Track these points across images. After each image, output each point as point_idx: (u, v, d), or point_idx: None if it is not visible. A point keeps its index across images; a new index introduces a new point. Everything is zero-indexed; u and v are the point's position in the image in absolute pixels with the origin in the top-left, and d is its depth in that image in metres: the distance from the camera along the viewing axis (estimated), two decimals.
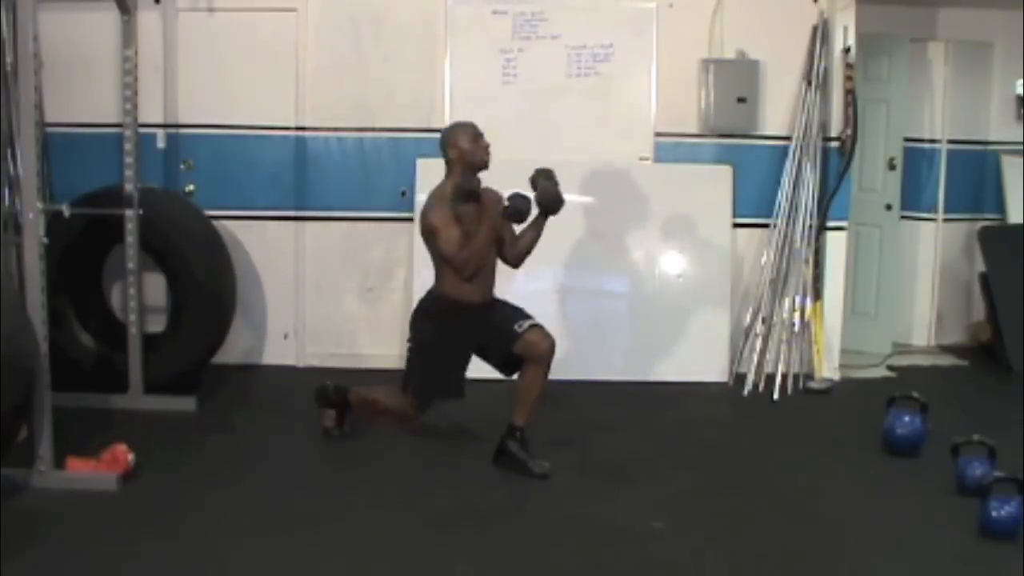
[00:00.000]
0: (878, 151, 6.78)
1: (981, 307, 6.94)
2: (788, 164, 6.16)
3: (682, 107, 6.22)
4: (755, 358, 6.07)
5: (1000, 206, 7.01)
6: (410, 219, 6.13)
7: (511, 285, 5.99)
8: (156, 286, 5.99)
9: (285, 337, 6.35)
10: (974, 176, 7.09)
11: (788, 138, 6.19)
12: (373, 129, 6.21)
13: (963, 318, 7.20)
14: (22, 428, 4.31)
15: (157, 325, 5.92)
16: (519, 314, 4.66)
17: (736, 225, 6.26)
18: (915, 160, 6.96)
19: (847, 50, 6.14)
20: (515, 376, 4.70)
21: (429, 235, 4.53)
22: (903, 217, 6.94)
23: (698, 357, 6.14)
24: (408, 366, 4.70)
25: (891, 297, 6.95)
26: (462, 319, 4.59)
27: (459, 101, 6.13)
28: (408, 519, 4.17)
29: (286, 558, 3.78)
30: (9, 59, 4.70)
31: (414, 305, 4.66)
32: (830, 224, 6.23)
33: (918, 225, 7.07)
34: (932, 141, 7.00)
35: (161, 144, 6.14)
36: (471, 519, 4.20)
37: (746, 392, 5.96)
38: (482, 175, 4.62)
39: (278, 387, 6.00)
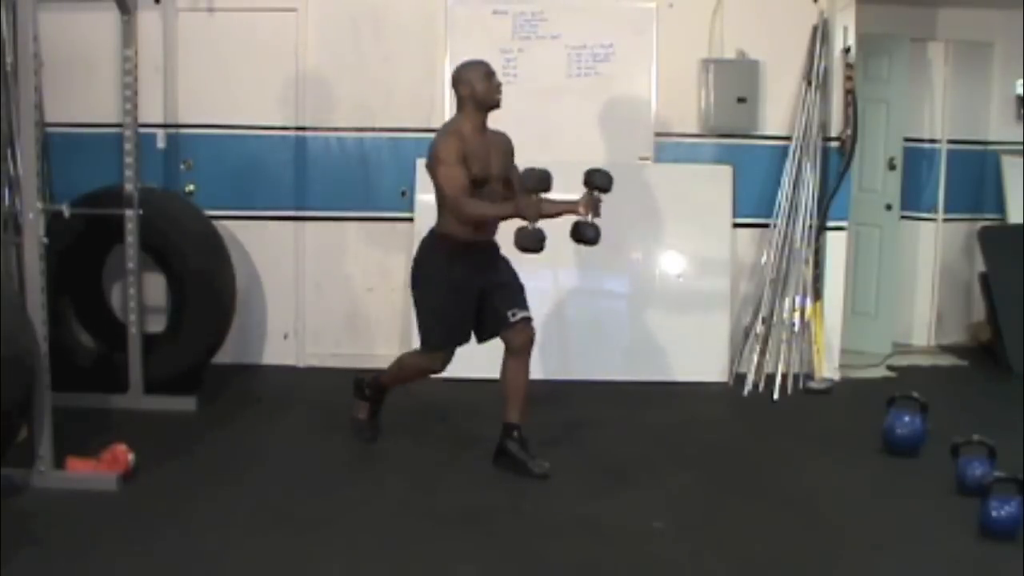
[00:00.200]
0: (878, 151, 6.78)
1: (981, 307, 6.95)
2: (788, 164, 6.16)
3: (682, 107, 6.22)
4: (755, 358, 6.07)
5: (1000, 206, 7.01)
6: (410, 219, 6.13)
7: None
8: (156, 286, 5.99)
9: (285, 337, 6.35)
10: (974, 176, 7.09)
11: (788, 138, 6.20)
12: (373, 129, 6.21)
13: (963, 318, 7.20)
14: (22, 428, 4.31)
15: (157, 325, 5.92)
16: (518, 300, 4.64)
17: (736, 225, 6.26)
18: (915, 160, 6.96)
19: (847, 50, 6.15)
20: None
21: (433, 166, 4.47)
22: (903, 217, 6.95)
23: (698, 357, 6.14)
24: (420, 320, 4.66)
25: (891, 297, 6.95)
26: (466, 259, 4.53)
27: None
28: (408, 519, 4.17)
29: (286, 558, 3.79)
30: (9, 59, 4.71)
31: (414, 308, 4.61)
32: (830, 224, 6.24)
33: (918, 225, 7.08)
34: (932, 141, 7.00)
35: (161, 144, 6.14)
36: (471, 519, 4.20)
37: (746, 392, 5.96)
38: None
39: (278, 387, 6.00)
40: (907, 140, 6.87)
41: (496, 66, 6.07)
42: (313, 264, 6.30)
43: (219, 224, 6.03)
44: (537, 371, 5.81)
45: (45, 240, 4.32)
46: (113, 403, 5.34)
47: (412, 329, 6.05)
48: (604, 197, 4.66)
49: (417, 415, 5.39)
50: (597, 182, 4.62)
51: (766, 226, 6.22)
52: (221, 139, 6.17)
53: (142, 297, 5.54)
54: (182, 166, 6.18)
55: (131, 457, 4.47)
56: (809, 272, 6.17)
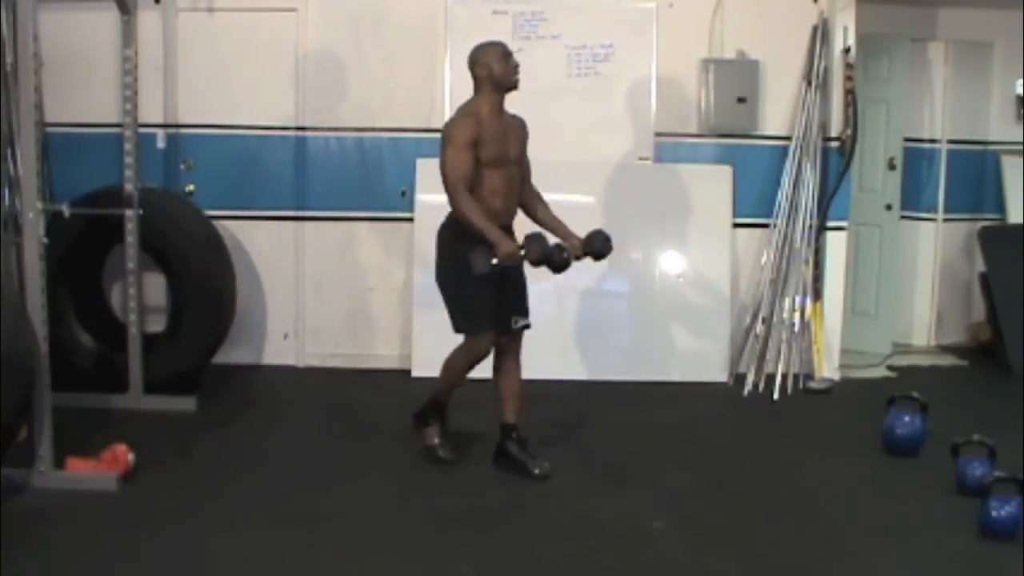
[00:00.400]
0: (878, 151, 6.78)
1: (981, 307, 6.94)
2: (788, 164, 6.16)
3: (682, 107, 6.22)
4: (755, 358, 6.07)
5: (1000, 206, 7.01)
6: (410, 219, 6.13)
7: None
8: (156, 286, 5.99)
9: (285, 337, 6.35)
10: (974, 176, 7.09)
11: (788, 138, 6.20)
12: (373, 129, 6.20)
13: (963, 318, 7.20)
14: (22, 428, 4.31)
15: (157, 325, 5.92)
16: (524, 306, 4.64)
17: (736, 225, 6.26)
18: (915, 160, 6.96)
19: (847, 50, 6.14)
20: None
21: (443, 145, 4.43)
22: (903, 217, 6.94)
23: (698, 357, 6.15)
24: (460, 309, 4.49)
25: (891, 297, 6.95)
26: (486, 242, 4.42)
27: (459, 101, 6.05)
28: (408, 519, 4.18)
29: (286, 558, 3.78)
30: (9, 59, 4.70)
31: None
32: (830, 224, 6.24)
33: (918, 225, 7.07)
34: (932, 141, 7.00)
35: (161, 144, 6.14)
36: (471, 519, 4.20)
37: (746, 392, 5.96)
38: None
39: (278, 387, 6.00)
40: (907, 140, 6.87)
41: None
42: (313, 264, 6.30)
43: (219, 224, 6.02)
44: (537, 371, 5.82)
45: (45, 240, 4.32)
46: (113, 403, 5.34)
47: (412, 329, 6.09)
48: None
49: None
50: (596, 250, 4.65)
51: (766, 226, 6.22)
52: (221, 139, 6.17)
53: (142, 297, 5.54)
54: (182, 166, 6.18)
55: (131, 457, 4.47)
56: (809, 272, 6.17)
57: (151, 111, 5.94)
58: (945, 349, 7.05)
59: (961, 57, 6.94)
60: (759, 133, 6.26)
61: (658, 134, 6.24)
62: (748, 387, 5.99)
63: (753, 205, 6.26)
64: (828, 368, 6.20)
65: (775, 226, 6.18)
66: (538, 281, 6.07)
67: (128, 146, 5.31)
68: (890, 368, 6.58)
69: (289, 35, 6.12)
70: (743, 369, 6.10)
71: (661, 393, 5.89)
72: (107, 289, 6.11)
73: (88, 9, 5.92)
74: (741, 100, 6.13)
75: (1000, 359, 6.59)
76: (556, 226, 4.68)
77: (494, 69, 4.48)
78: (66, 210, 4.56)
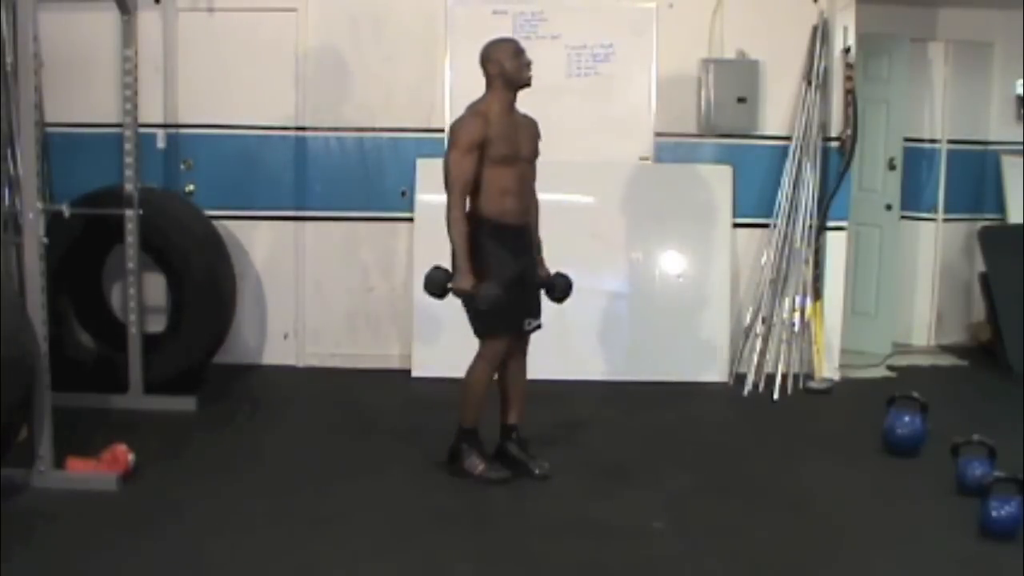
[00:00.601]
0: (878, 151, 6.78)
1: (981, 307, 6.94)
2: (788, 164, 6.16)
3: (682, 107, 6.22)
4: (755, 358, 6.07)
5: (1000, 206, 7.01)
6: (410, 219, 6.13)
7: None
8: (156, 286, 5.99)
9: (285, 337, 6.35)
10: (974, 176, 7.09)
11: (788, 138, 6.19)
12: (373, 129, 6.20)
13: (963, 318, 7.20)
14: (22, 428, 4.31)
15: (157, 325, 5.92)
16: (537, 307, 4.62)
17: (736, 225, 6.25)
18: (915, 160, 6.96)
19: (847, 50, 6.14)
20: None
21: (448, 145, 4.39)
22: (903, 217, 6.94)
23: (698, 357, 6.15)
24: (481, 313, 4.36)
25: (891, 297, 6.95)
26: (505, 241, 4.41)
27: (459, 101, 6.06)
28: (408, 519, 4.17)
29: (286, 558, 3.78)
30: (9, 59, 4.70)
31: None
32: (830, 224, 6.23)
33: (918, 225, 7.07)
34: (932, 141, 7.00)
35: (161, 144, 6.14)
36: (471, 519, 4.20)
37: (746, 392, 5.96)
38: None
39: (278, 387, 6.00)
40: (907, 140, 6.87)
41: None
42: (313, 264, 6.30)
43: (219, 224, 6.03)
44: (537, 371, 5.81)
45: (45, 240, 4.32)
46: (113, 403, 5.34)
47: (412, 329, 6.09)
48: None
49: (417, 415, 5.39)
50: (558, 293, 4.70)
51: (766, 226, 6.22)
52: (221, 139, 6.17)
53: (142, 297, 5.54)
54: (182, 166, 6.18)
55: (131, 457, 4.47)
56: (809, 272, 6.17)
57: (151, 111, 5.94)
58: (945, 349, 7.05)
59: (961, 57, 6.94)
60: (759, 133, 6.25)
61: (658, 134, 6.24)
62: (748, 387, 5.99)
63: (753, 205, 6.26)
64: (828, 368, 6.20)
65: (775, 226, 6.17)
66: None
67: (128, 146, 5.31)
68: (890, 368, 6.58)
69: (289, 35, 6.12)
70: (743, 369, 6.10)
71: (661, 393, 5.89)
72: (107, 289, 6.11)
73: (88, 9, 5.93)
74: (741, 100, 6.13)
75: (1000, 359, 6.59)
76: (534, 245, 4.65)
77: (506, 66, 4.42)
78: (66, 210, 4.56)
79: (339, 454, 4.89)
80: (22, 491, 4.24)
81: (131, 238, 5.37)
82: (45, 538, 3.87)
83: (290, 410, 5.59)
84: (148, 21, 5.94)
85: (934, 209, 7.06)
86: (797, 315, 6.14)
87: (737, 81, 6.14)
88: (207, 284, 5.69)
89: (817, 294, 6.19)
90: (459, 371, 4.65)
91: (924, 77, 6.93)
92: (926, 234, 7.09)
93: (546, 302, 4.69)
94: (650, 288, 6.23)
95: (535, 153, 4.58)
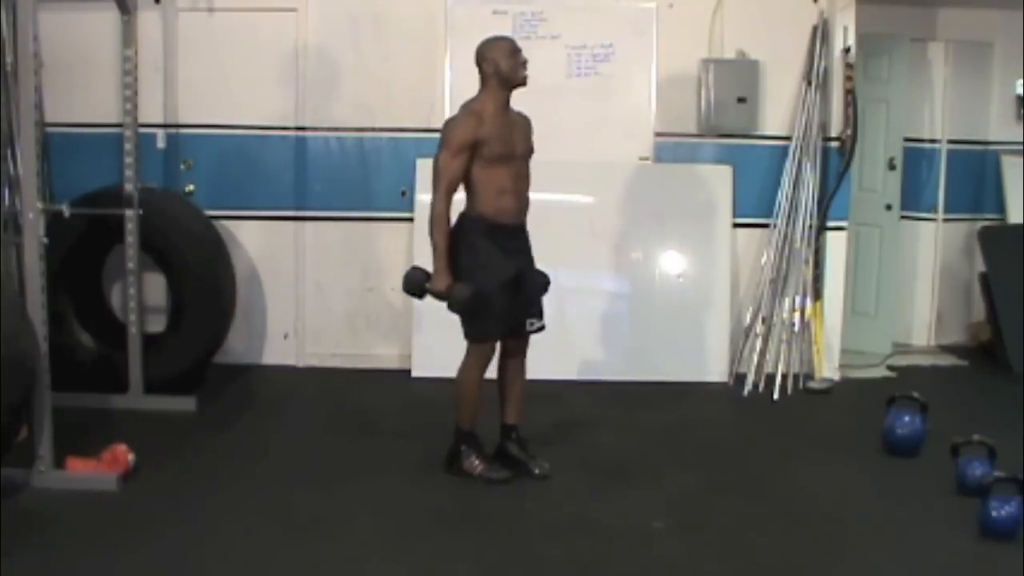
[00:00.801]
0: (878, 151, 6.78)
1: (981, 307, 6.94)
2: (788, 164, 6.16)
3: (682, 107, 6.22)
4: (755, 358, 6.07)
5: (1000, 206, 7.00)
6: (410, 219, 6.13)
7: None
8: (156, 286, 5.99)
9: (285, 337, 6.35)
10: (974, 176, 7.09)
11: (788, 138, 6.19)
12: (373, 129, 6.20)
13: (963, 318, 7.20)
14: (22, 428, 4.31)
15: (157, 325, 5.92)
16: (539, 308, 4.58)
17: (736, 225, 6.25)
18: (915, 160, 6.96)
19: (847, 50, 6.14)
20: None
21: (440, 144, 4.37)
22: (903, 217, 6.94)
23: (698, 357, 6.14)
24: (470, 313, 4.36)
25: (891, 297, 6.94)
26: (501, 241, 4.38)
27: (459, 101, 6.06)
28: (408, 519, 4.17)
29: (286, 558, 3.78)
30: (9, 59, 4.70)
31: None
32: (830, 224, 6.23)
33: (918, 225, 7.07)
34: (932, 141, 7.00)
35: (161, 144, 6.14)
36: (471, 519, 4.21)
37: (746, 392, 5.96)
38: None
39: (278, 387, 6.00)
40: (907, 140, 6.87)
41: None
42: (313, 264, 6.30)
43: (219, 224, 6.03)
44: (537, 371, 5.81)
45: (45, 240, 4.32)
46: (113, 403, 5.34)
47: (412, 329, 6.09)
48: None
49: (417, 415, 5.39)
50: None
51: (766, 226, 6.22)
52: (221, 139, 6.17)
53: (142, 297, 5.54)
54: (182, 166, 6.18)
55: (131, 457, 4.47)
56: (809, 272, 6.17)
57: (151, 111, 5.94)
58: (945, 349, 7.05)
59: (961, 57, 6.94)
60: (759, 133, 6.25)
61: (658, 134, 6.24)
62: (748, 387, 5.99)
63: (753, 205, 6.25)
64: (828, 368, 6.20)
65: (775, 226, 6.17)
66: None
67: (128, 146, 5.31)
68: (890, 368, 6.58)
69: (289, 35, 6.12)
70: (743, 369, 6.10)
71: (661, 393, 5.88)
72: (107, 289, 6.11)
73: (88, 9, 5.92)
74: (741, 100, 6.13)
75: (1000, 359, 6.59)
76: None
77: (501, 65, 4.39)
78: (66, 210, 4.56)
79: (339, 454, 4.89)
80: (22, 491, 4.24)
81: (131, 238, 5.37)
82: (45, 538, 3.87)
83: (290, 410, 5.59)
84: (148, 21, 5.94)
85: (934, 209, 7.06)
86: (797, 315, 6.14)
87: (737, 81, 6.14)
88: (207, 284, 5.69)
89: (817, 294, 6.19)
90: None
91: (924, 77, 6.93)
92: (926, 234, 7.09)
93: (545, 304, 4.67)
94: (650, 288, 6.23)
95: (530, 151, 4.57)
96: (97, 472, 4.38)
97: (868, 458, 4.97)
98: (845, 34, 6.14)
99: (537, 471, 4.58)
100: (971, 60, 6.96)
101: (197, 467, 4.66)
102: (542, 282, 4.63)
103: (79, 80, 5.98)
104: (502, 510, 4.30)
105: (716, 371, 6.13)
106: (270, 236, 6.26)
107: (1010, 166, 6.97)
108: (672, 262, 6.25)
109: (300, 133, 6.19)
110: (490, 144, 4.34)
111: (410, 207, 6.14)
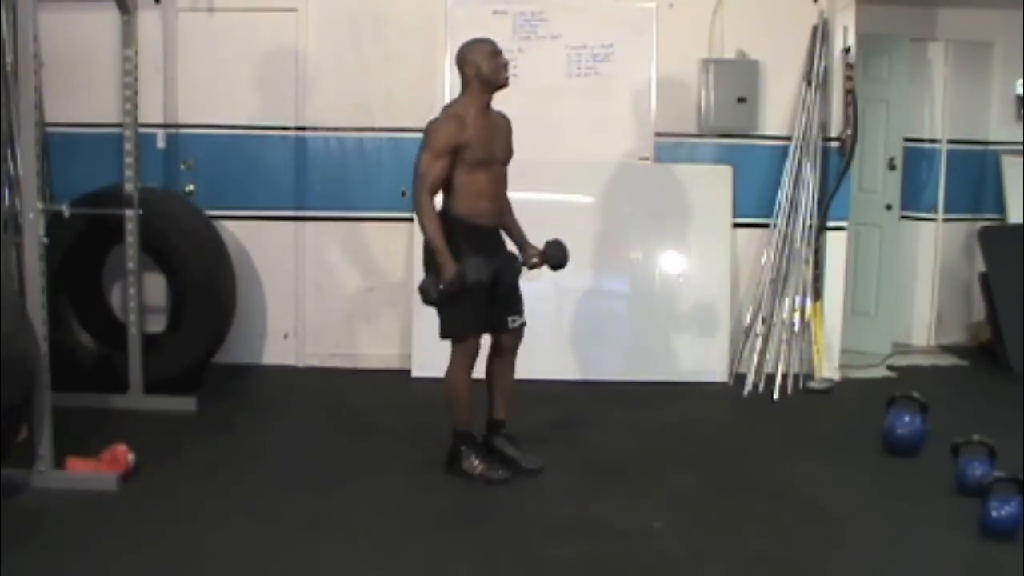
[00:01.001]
0: (878, 151, 6.78)
1: (981, 307, 6.94)
2: (788, 164, 6.16)
3: (682, 107, 6.22)
4: (755, 358, 6.07)
5: (1000, 206, 7.00)
6: (410, 219, 6.12)
7: None
8: (156, 286, 5.99)
9: (285, 337, 6.35)
10: (974, 176, 7.09)
11: (788, 138, 6.19)
12: (373, 129, 6.20)
13: (963, 318, 7.20)
14: (22, 428, 4.31)
15: (157, 325, 5.92)
16: (519, 304, 4.61)
17: (736, 225, 6.25)
18: (915, 160, 6.95)
19: (847, 50, 6.14)
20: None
21: (422, 145, 4.40)
22: (903, 217, 6.94)
23: (698, 357, 6.14)
24: (448, 312, 4.41)
25: (891, 297, 6.95)
26: (478, 242, 4.41)
27: None
28: (408, 519, 4.17)
29: (286, 558, 3.78)
30: (9, 59, 4.70)
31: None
32: (830, 224, 6.23)
33: (918, 225, 7.07)
34: (932, 141, 7.00)
35: (161, 144, 6.14)
36: (471, 519, 4.21)
37: (746, 392, 5.96)
38: None
39: (278, 387, 6.00)
40: (907, 140, 6.87)
41: None
42: (313, 264, 6.30)
43: (219, 224, 6.03)
44: (537, 371, 5.81)
45: (45, 240, 4.32)
46: (113, 403, 5.34)
47: (412, 329, 6.09)
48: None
49: (416, 415, 5.39)
50: (552, 260, 4.65)
51: (766, 226, 6.22)
52: (221, 139, 6.17)
53: (142, 297, 5.54)
54: (182, 166, 6.18)
55: (131, 457, 4.47)
56: (809, 272, 6.17)
57: (151, 111, 5.94)
58: (945, 349, 7.05)
59: (961, 57, 6.94)
60: (759, 133, 6.25)
61: (658, 134, 6.24)
62: (748, 387, 5.99)
63: (753, 205, 6.25)
64: (828, 368, 6.20)
65: (775, 226, 6.17)
66: (538, 280, 6.12)
67: (128, 146, 5.31)
68: (890, 368, 6.58)
69: (289, 35, 6.12)
70: (743, 369, 6.10)
71: (661, 393, 5.89)
72: (107, 289, 6.11)
73: (88, 9, 5.92)
74: (741, 100, 6.13)
75: (1000, 359, 6.59)
76: (516, 234, 4.67)
77: (483, 67, 4.41)
78: (66, 210, 4.56)
79: (339, 454, 4.89)
80: (22, 491, 4.24)
81: (131, 238, 5.37)
82: (45, 538, 3.87)
83: (290, 410, 5.59)
84: (148, 21, 5.94)
85: (934, 209, 7.06)
86: (797, 315, 6.14)
87: (737, 81, 6.14)
88: (207, 284, 5.69)
89: (817, 294, 6.19)
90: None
91: (924, 77, 6.92)
92: (926, 234, 7.09)
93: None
94: (650, 288, 6.23)
95: (510, 154, 4.58)
96: (97, 472, 4.38)
97: (868, 458, 4.97)
98: (845, 34, 6.14)
99: (528, 466, 4.57)
100: (971, 60, 6.96)
101: (197, 467, 4.66)
102: (560, 250, 4.62)
103: (79, 80, 5.99)
104: (502, 510, 4.30)
105: (716, 371, 6.13)
106: (270, 236, 6.26)
107: (1010, 166, 6.97)
108: (672, 262, 6.25)
109: (300, 133, 6.19)
110: (472, 148, 4.37)
111: (410, 207, 6.13)
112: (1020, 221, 6.83)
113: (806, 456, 5.02)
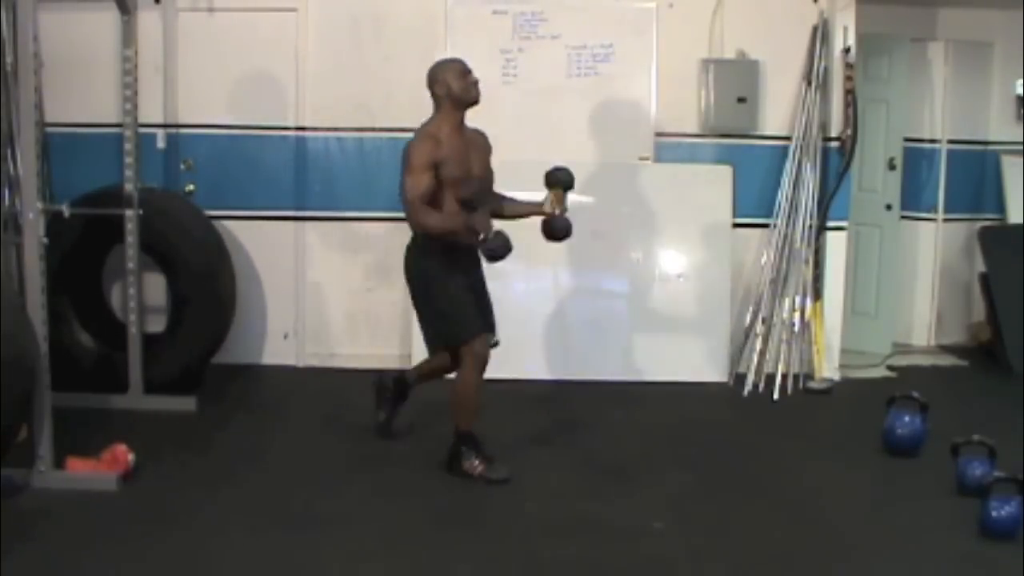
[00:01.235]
0: (878, 151, 6.78)
1: (981, 307, 6.94)
2: (788, 164, 6.16)
3: (682, 107, 6.22)
4: (755, 358, 6.07)
5: (1000, 206, 7.00)
6: None
7: (511, 285, 6.02)
8: (156, 286, 5.99)
9: (285, 337, 6.35)
10: (974, 176, 7.09)
11: (788, 138, 6.20)
12: (373, 129, 6.20)
13: (963, 318, 7.20)
14: (22, 428, 4.31)
15: (157, 325, 5.92)
16: (493, 324, 4.63)
17: (736, 225, 6.25)
18: (915, 160, 6.95)
19: (847, 50, 6.14)
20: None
21: (402, 168, 4.43)
22: (903, 217, 6.94)
23: (698, 357, 6.14)
24: (447, 318, 4.48)
25: (891, 297, 6.95)
26: (455, 257, 4.48)
27: None
28: (408, 519, 4.17)
29: (286, 558, 3.79)
30: (9, 59, 4.71)
31: (435, 318, 4.51)
32: (830, 224, 6.23)
33: (918, 225, 7.07)
34: (932, 141, 7.00)
35: (161, 144, 6.14)
36: (471, 519, 4.21)
37: (746, 392, 5.96)
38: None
39: (278, 387, 6.00)
40: (907, 140, 6.87)
41: (496, 66, 6.17)
42: (313, 264, 6.30)
43: (219, 224, 6.03)
44: (537, 371, 5.83)
45: (45, 240, 4.32)
46: (113, 403, 5.34)
47: (412, 329, 6.07)
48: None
49: (417, 415, 5.39)
50: (563, 180, 4.58)
51: (766, 226, 6.22)
52: (221, 139, 6.17)
53: (142, 297, 5.54)
54: (182, 166, 6.18)
55: (131, 457, 4.47)
56: (809, 272, 6.17)
57: (151, 111, 5.94)
58: (945, 349, 7.05)
59: (961, 57, 6.94)
60: (759, 133, 6.26)
61: (658, 134, 6.24)
62: (748, 387, 5.99)
63: (753, 205, 6.26)
64: (828, 368, 6.20)
65: (775, 226, 6.18)
66: (537, 281, 6.14)
67: (128, 146, 5.31)
68: (890, 368, 6.58)
69: (289, 35, 6.12)
70: (743, 369, 6.10)
71: (661, 393, 5.89)
72: (107, 289, 6.11)
73: (88, 9, 5.93)
74: (741, 100, 6.13)
75: (1000, 359, 6.59)
76: (520, 205, 4.67)
77: (453, 87, 4.49)
78: (66, 210, 4.56)
79: (339, 454, 4.89)
80: (22, 491, 4.24)
81: (131, 238, 5.38)
82: (45, 538, 3.87)
83: (290, 410, 5.59)
84: (148, 21, 5.94)
85: (934, 209, 7.06)
86: (797, 315, 6.14)
87: (737, 81, 6.14)
88: (207, 284, 5.69)
89: (817, 294, 6.19)
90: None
91: (924, 77, 6.92)
92: (926, 234, 7.09)
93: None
94: (650, 288, 6.23)
95: (487, 170, 4.60)
96: (97, 472, 4.37)
97: (868, 458, 4.97)
98: (845, 34, 6.14)
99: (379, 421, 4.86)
100: (971, 60, 6.96)
101: (197, 467, 4.66)
102: (565, 224, 4.58)
103: (79, 80, 5.99)
104: (502, 510, 4.30)
105: (716, 371, 6.13)
106: (270, 236, 6.26)
107: (1010, 166, 6.97)
108: (672, 262, 6.24)
109: (300, 133, 6.19)
110: (447, 165, 4.41)
111: None
112: (1020, 221, 6.83)
113: (806, 456, 5.02)
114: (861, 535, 4.09)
